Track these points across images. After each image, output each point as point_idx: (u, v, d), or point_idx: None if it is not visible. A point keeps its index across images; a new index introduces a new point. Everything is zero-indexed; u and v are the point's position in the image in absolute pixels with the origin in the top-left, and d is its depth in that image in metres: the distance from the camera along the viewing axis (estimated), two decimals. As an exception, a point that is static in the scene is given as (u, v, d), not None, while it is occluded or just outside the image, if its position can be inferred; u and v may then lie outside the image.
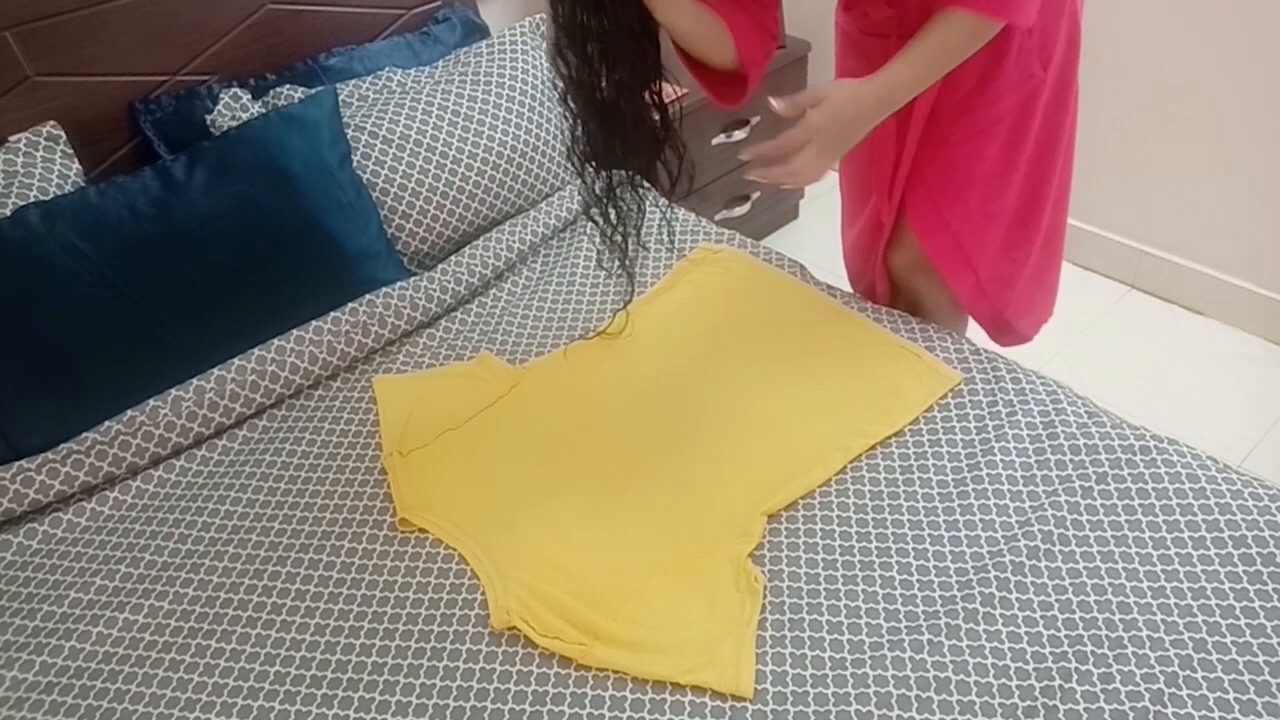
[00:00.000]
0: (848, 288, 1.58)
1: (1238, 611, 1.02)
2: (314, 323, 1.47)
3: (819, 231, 2.53)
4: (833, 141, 1.11)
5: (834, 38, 1.41)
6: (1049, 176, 1.31)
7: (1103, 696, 0.95)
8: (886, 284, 1.52)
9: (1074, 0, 1.23)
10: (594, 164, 1.13)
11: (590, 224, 1.20)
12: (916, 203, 1.35)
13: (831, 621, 1.05)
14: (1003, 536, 1.12)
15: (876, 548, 1.13)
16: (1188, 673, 0.97)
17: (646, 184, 1.20)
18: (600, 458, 1.28)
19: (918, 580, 1.09)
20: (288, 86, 1.66)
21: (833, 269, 1.68)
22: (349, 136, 1.61)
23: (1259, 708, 0.93)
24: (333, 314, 1.48)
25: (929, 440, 1.26)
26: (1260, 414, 1.95)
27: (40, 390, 1.33)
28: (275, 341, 1.44)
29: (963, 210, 1.32)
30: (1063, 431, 1.23)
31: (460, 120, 1.67)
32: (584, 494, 1.22)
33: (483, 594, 1.11)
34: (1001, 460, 1.21)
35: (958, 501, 1.17)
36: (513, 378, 1.42)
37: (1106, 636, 1.01)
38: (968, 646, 1.01)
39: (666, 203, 1.24)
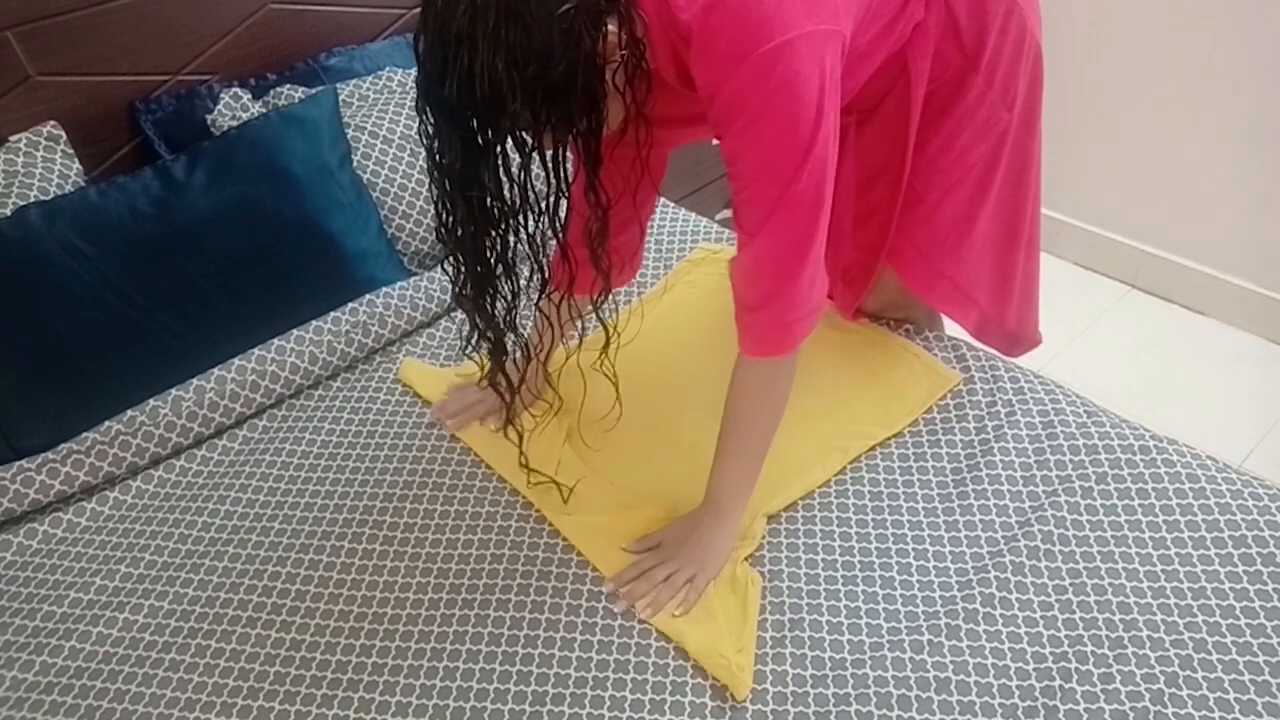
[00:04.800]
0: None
1: (1238, 611, 1.02)
2: (314, 323, 1.47)
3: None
4: (694, 559, 1.09)
5: None
6: (1024, 198, 1.31)
7: (1103, 696, 0.95)
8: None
9: (1035, 38, 1.21)
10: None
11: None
12: (907, 264, 1.33)
13: (831, 621, 1.05)
14: (1003, 536, 1.12)
15: (876, 548, 1.13)
16: (1188, 673, 0.97)
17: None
18: (601, 460, 1.28)
19: (918, 580, 1.09)
20: (288, 86, 1.66)
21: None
22: (349, 136, 1.61)
23: (1259, 708, 0.93)
24: (333, 314, 1.48)
25: (929, 441, 1.26)
26: (1260, 414, 1.95)
27: (40, 390, 1.33)
28: (275, 341, 1.44)
29: (955, 256, 1.31)
30: (1062, 431, 1.23)
31: (460, 120, 1.67)
32: (581, 496, 1.22)
33: (483, 594, 1.11)
34: (1001, 460, 1.21)
35: (958, 501, 1.17)
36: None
37: (1106, 636, 1.01)
38: (968, 646, 1.01)
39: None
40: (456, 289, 1.01)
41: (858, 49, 1.04)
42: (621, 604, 1.08)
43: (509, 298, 1.01)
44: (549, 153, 0.91)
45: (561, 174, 0.91)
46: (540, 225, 0.95)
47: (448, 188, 0.92)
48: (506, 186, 0.91)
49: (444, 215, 0.95)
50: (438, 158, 0.90)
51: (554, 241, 0.98)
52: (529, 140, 0.88)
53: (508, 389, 1.10)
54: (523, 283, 1.01)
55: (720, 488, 1.11)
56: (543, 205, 0.93)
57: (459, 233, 0.95)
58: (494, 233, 0.94)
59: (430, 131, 0.90)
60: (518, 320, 1.04)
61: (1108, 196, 2.26)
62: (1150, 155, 2.15)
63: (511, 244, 0.96)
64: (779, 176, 0.93)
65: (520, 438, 1.16)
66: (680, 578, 1.08)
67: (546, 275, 1.03)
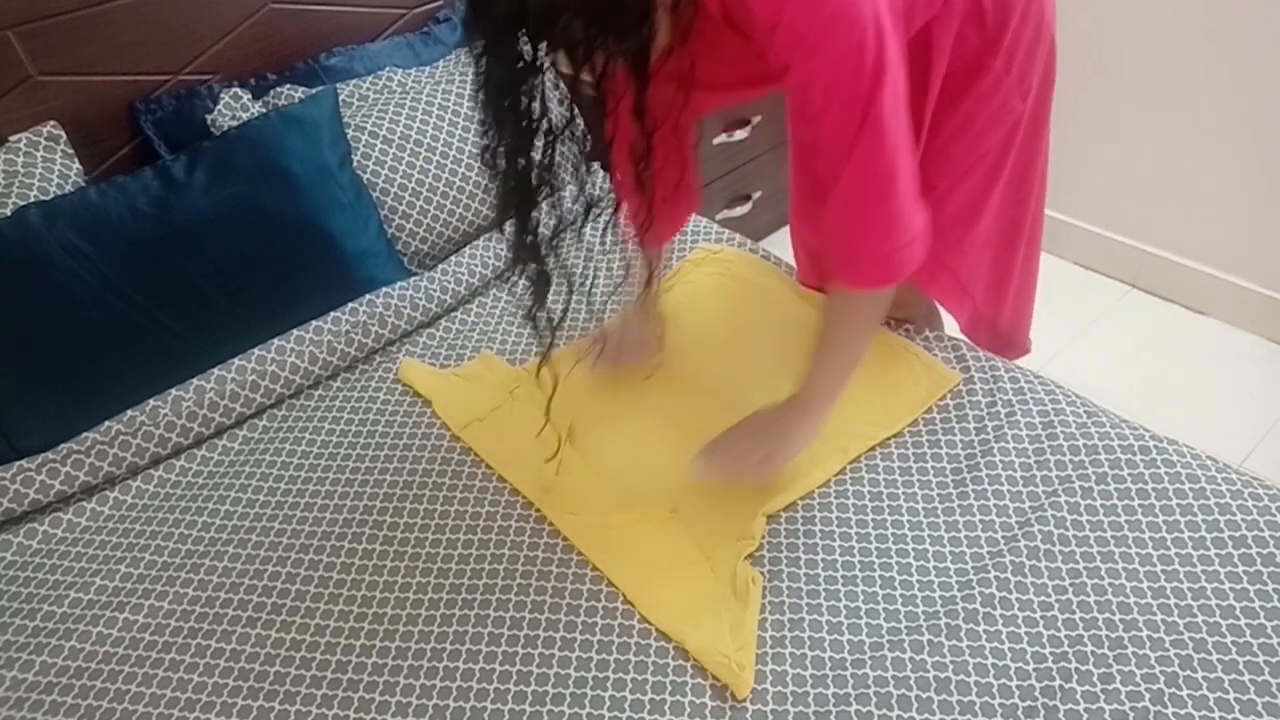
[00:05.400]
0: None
1: (1238, 611, 1.01)
2: (314, 323, 1.47)
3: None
4: (772, 439, 1.14)
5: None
6: (1028, 195, 1.31)
7: (1103, 696, 0.95)
8: None
9: (1050, 30, 1.22)
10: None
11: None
12: None
13: (831, 621, 1.05)
14: (1003, 536, 1.12)
15: (876, 548, 1.13)
16: (1188, 673, 0.97)
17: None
18: (602, 460, 1.28)
19: (918, 580, 1.09)
20: (288, 86, 1.66)
21: (833, 269, 1.68)
22: (349, 136, 1.61)
23: (1259, 708, 0.93)
24: (333, 314, 1.48)
25: (929, 440, 1.26)
26: (1261, 414, 1.94)
27: (40, 390, 1.33)
28: (275, 341, 1.44)
29: (958, 248, 1.31)
30: (1062, 432, 1.23)
31: (460, 120, 1.67)
32: (585, 498, 1.22)
33: (483, 594, 1.11)
34: (1001, 460, 1.21)
35: (958, 502, 1.17)
36: (514, 379, 1.42)
37: (1106, 636, 1.01)
38: (968, 646, 1.01)
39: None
40: (499, 217, 1.02)
41: (895, 8, 1.05)
42: (704, 473, 1.14)
43: (554, 224, 1.02)
44: (596, 74, 0.90)
45: (607, 96, 0.92)
46: (584, 147, 0.97)
47: (493, 108, 0.92)
48: (554, 104, 0.92)
49: (489, 138, 0.95)
50: (485, 77, 0.90)
51: (599, 167, 0.99)
52: (577, 58, 0.88)
53: (548, 326, 1.08)
54: (568, 206, 1.02)
55: (811, 390, 1.15)
56: (585, 127, 0.94)
57: (503, 156, 0.95)
58: (539, 155, 0.95)
59: (479, 50, 0.89)
60: (562, 249, 1.04)
61: (1108, 196, 2.26)
62: (1150, 155, 2.15)
63: (555, 167, 0.97)
64: (853, 100, 0.94)
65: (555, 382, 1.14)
66: (758, 452, 1.13)
67: (617, 201, 1.04)
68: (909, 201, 1.02)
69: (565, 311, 1.08)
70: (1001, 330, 1.42)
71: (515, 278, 1.06)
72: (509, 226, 1.01)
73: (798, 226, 1.49)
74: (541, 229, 1.01)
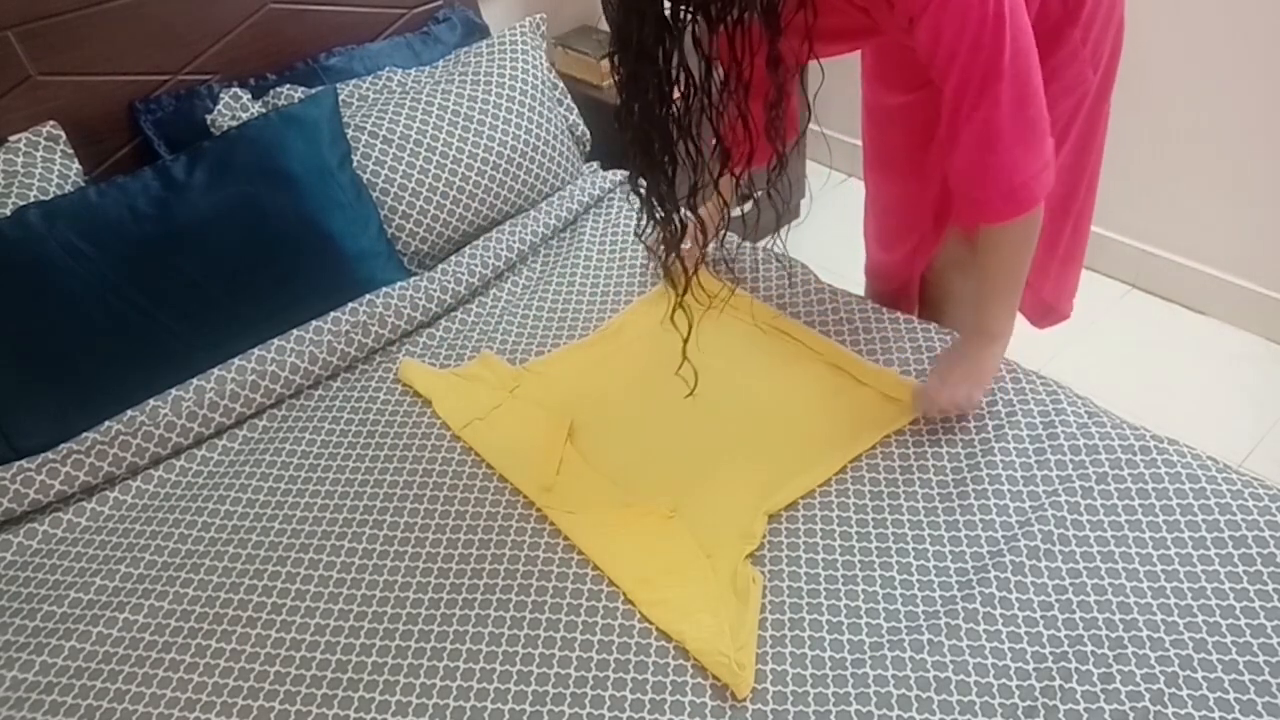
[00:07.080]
0: (850, 287, 1.58)
1: (1238, 611, 1.01)
2: (314, 323, 1.47)
3: (821, 230, 2.53)
4: (965, 380, 1.22)
5: (861, 113, 1.47)
6: (1084, 166, 1.34)
7: (1103, 696, 0.95)
8: (919, 282, 1.57)
9: (1121, 7, 1.27)
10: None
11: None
12: None
13: (831, 621, 1.05)
14: (1003, 536, 1.12)
15: (876, 548, 1.13)
16: (1188, 673, 0.97)
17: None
18: (602, 460, 1.28)
19: (918, 580, 1.09)
20: (288, 86, 1.66)
21: (834, 268, 1.68)
22: (349, 136, 1.61)
23: (1259, 708, 0.93)
24: (333, 314, 1.48)
25: (929, 440, 1.26)
26: (1261, 414, 1.94)
27: (40, 390, 1.33)
28: (275, 341, 1.44)
29: None
30: (1063, 431, 1.23)
31: (460, 120, 1.67)
32: (585, 498, 1.22)
33: (483, 594, 1.11)
34: (1001, 460, 1.21)
35: (958, 501, 1.17)
36: (514, 378, 1.42)
37: (1106, 636, 1.01)
38: (968, 646, 1.01)
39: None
40: (637, 174, 1.07)
41: None
42: (926, 411, 1.24)
43: (692, 174, 1.07)
44: (731, 28, 0.95)
45: (748, 50, 0.97)
46: (722, 100, 1.01)
47: (633, 68, 0.97)
48: (694, 62, 0.97)
49: (628, 98, 1.00)
50: (625, 38, 0.95)
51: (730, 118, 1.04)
52: (715, 15, 0.93)
53: (682, 274, 1.13)
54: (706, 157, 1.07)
55: (987, 319, 1.23)
56: (724, 80, 0.99)
57: (645, 112, 0.99)
58: (680, 110, 1.00)
59: (617, 12, 0.94)
60: (699, 199, 1.09)
61: (1108, 196, 2.26)
62: (1152, 155, 2.15)
63: (693, 122, 1.02)
64: (979, 48, 1.00)
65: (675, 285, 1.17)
66: (961, 388, 1.21)
67: (727, 149, 1.07)
68: (1037, 134, 1.08)
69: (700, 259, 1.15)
70: (1044, 298, 1.46)
71: (649, 229, 1.11)
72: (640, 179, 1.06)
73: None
74: (676, 180, 1.06)
